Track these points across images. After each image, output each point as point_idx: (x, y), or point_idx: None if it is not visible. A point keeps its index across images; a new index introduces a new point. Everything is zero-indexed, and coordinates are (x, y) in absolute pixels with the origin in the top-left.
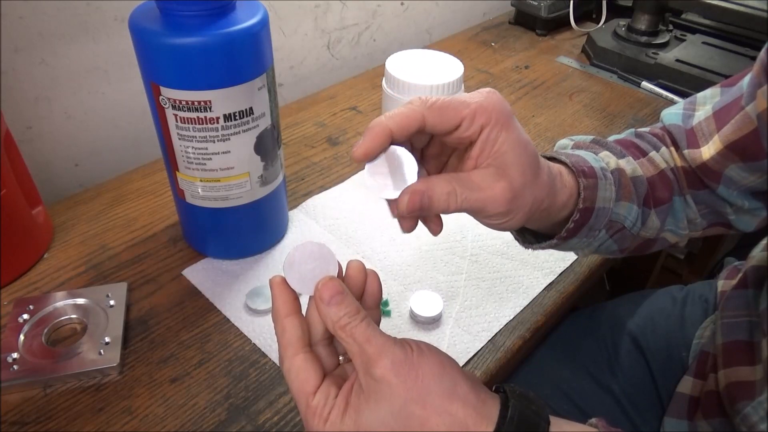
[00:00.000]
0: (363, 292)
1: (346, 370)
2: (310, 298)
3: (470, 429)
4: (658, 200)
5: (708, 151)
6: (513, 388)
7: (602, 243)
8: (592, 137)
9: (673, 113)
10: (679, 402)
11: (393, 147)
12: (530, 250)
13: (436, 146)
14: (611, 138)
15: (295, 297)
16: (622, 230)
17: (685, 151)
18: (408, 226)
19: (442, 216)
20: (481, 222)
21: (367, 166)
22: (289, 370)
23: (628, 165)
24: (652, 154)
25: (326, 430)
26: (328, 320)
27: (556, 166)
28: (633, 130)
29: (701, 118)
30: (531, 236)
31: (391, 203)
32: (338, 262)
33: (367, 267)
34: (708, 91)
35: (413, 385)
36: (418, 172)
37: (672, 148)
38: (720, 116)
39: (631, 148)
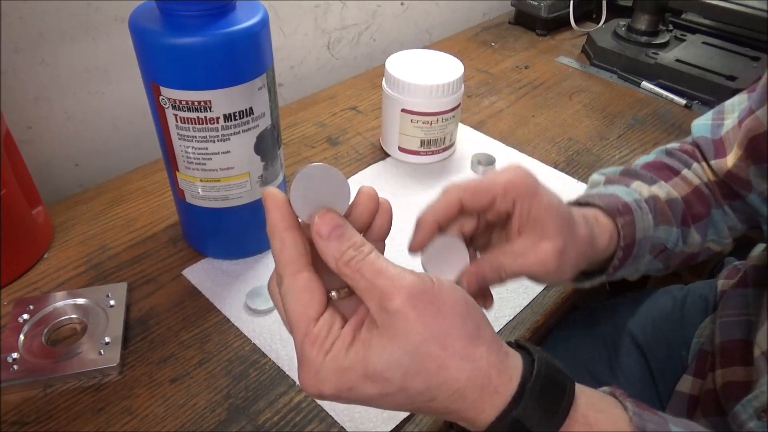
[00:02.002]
0: (371, 224)
1: (352, 304)
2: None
3: (493, 380)
4: (696, 217)
5: (731, 158)
6: (533, 346)
7: (648, 264)
8: (621, 168)
9: (701, 124)
10: (678, 401)
11: (443, 235)
12: (583, 285)
13: (481, 224)
14: (641, 160)
15: (294, 214)
16: (665, 251)
17: (712, 162)
18: (473, 291)
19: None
20: (537, 282)
21: (422, 256)
22: (289, 289)
23: (661, 190)
24: (685, 171)
25: (326, 364)
26: (329, 257)
27: (591, 213)
28: (663, 148)
29: (729, 128)
30: (581, 275)
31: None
32: (350, 197)
33: None
34: (735, 98)
35: (433, 322)
36: (468, 254)
37: (703, 163)
38: (742, 122)
39: (663, 170)
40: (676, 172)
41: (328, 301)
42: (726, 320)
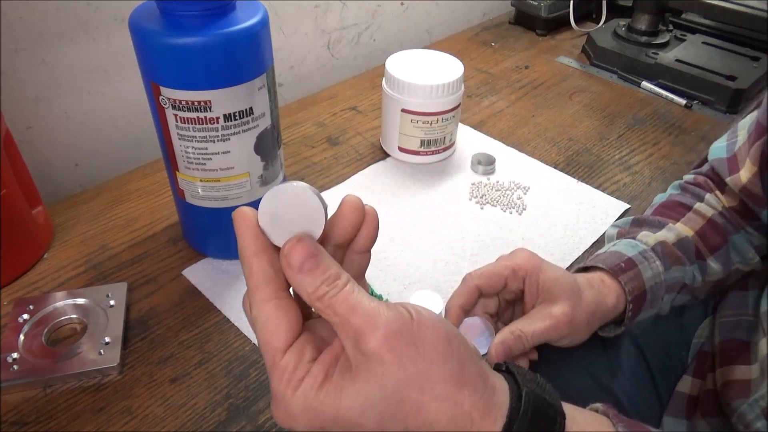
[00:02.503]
0: (356, 235)
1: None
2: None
3: (476, 422)
4: (712, 248)
5: (745, 173)
6: (522, 370)
7: (673, 300)
8: (632, 218)
9: (717, 147)
10: (678, 401)
11: (469, 317)
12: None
13: (501, 303)
14: (656, 200)
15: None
16: (685, 286)
17: (728, 179)
18: (503, 359)
19: (446, 221)
20: (556, 345)
21: None
22: (257, 317)
23: (670, 233)
24: (697, 205)
25: (295, 400)
26: (301, 291)
27: (597, 276)
28: (677, 183)
29: (740, 143)
30: (602, 328)
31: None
32: (326, 220)
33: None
34: (747, 117)
35: (412, 365)
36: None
37: (716, 192)
38: (751, 136)
39: (675, 209)
40: (688, 208)
41: (300, 329)
42: (725, 320)
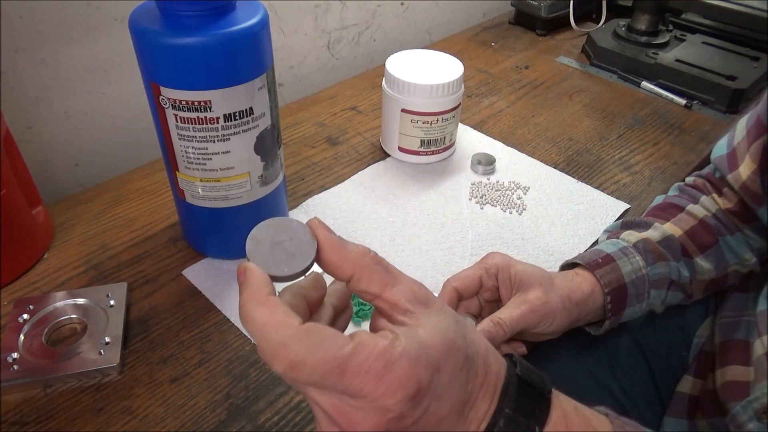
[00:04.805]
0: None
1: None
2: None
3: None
4: (702, 246)
5: (745, 170)
6: (517, 357)
7: (664, 298)
8: (622, 221)
9: (719, 145)
10: (679, 401)
11: None
12: (597, 333)
13: (482, 303)
14: (654, 202)
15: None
16: (673, 282)
17: (728, 176)
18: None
19: (446, 221)
20: (537, 338)
21: None
22: (308, 347)
23: (655, 231)
24: (689, 207)
25: (404, 347)
26: (351, 255)
27: (570, 270)
28: (677, 185)
29: (739, 138)
30: (592, 325)
31: None
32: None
33: None
34: (748, 114)
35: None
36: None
37: (714, 195)
38: (751, 131)
39: (667, 210)
40: (680, 209)
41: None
42: (726, 321)
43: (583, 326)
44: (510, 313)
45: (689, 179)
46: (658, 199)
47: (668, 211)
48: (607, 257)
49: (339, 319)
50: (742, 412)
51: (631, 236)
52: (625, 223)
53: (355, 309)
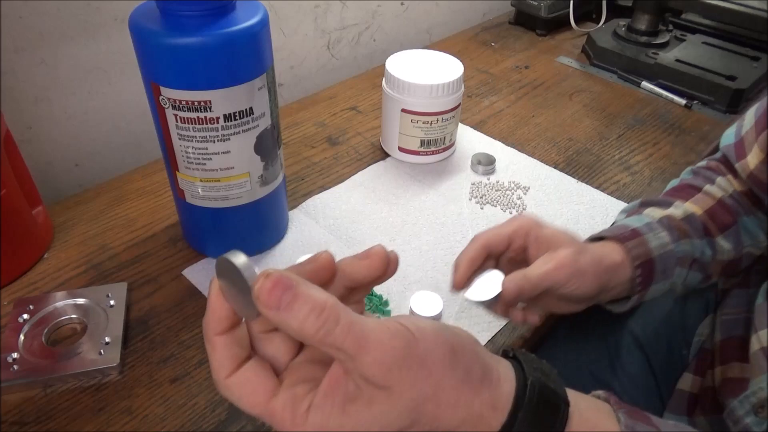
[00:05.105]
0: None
1: (308, 363)
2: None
3: (485, 417)
4: (722, 226)
5: (753, 159)
6: (528, 356)
7: (685, 277)
8: (639, 201)
9: (727, 134)
10: (679, 399)
11: (487, 272)
12: (620, 310)
13: (506, 269)
14: (669, 186)
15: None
16: (696, 261)
17: (737, 165)
18: (515, 316)
19: (446, 221)
20: (562, 308)
21: (470, 291)
22: (231, 391)
23: (677, 209)
24: (707, 187)
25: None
26: (289, 330)
27: (599, 243)
28: (690, 168)
29: (747, 128)
30: (615, 303)
31: (492, 304)
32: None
33: None
34: (757, 104)
35: (424, 384)
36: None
37: (729, 176)
38: (759, 121)
39: (685, 190)
40: (698, 189)
41: (279, 380)
42: (727, 318)
43: (606, 305)
44: (538, 269)
45: (702, 162)
46: (674, 182)
47: (686, 191)
48: (635, 231)
49: (353, 294)
50: (739, 407)
51: (654, 212)
52: (643, 202)
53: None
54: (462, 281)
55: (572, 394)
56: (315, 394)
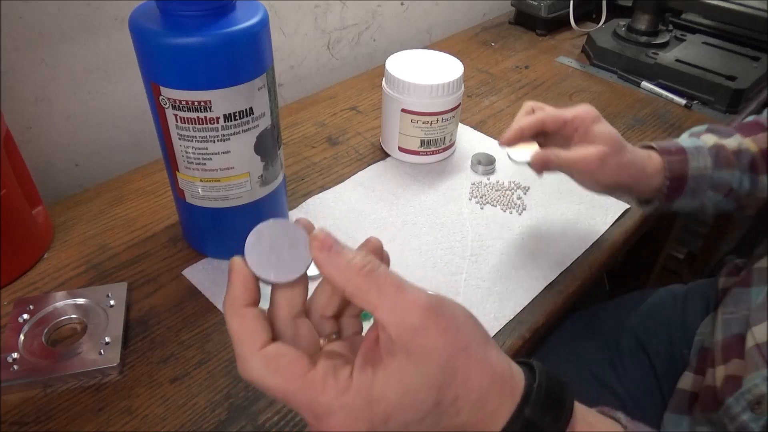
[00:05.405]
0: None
1: (338, 348)
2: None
3: (507, 381)
4: None
5: None
6: (537, 363)
7: (718, 201)
8: (707, 125)
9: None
10: (679, 398)
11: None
12: (647, 209)
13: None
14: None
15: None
16: (732, 191)
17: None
18: (539, 169)
19: (446, 221)
20: (584, 184)
21: (511, 150)
22: (266, 359)
23: (734, 141)
24: None
25: (352, 400)
26: (336, 270)
27: (645, 150)
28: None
29: None
30: (643, 202)
31: (523, 164)
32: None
33: None
34: None
35: (456, 335)
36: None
37: None
38: None
39: (752, 127)
40: (763, 128)
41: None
42: (728, 317)
43: (636, 202)
44: (567, 153)
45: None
46: (750, 118)
47: (752, 127)
48: (681, 149)
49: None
50: (735, 404)
51: (710, 139)
52: (710, 128)
53: None
54: (509, 141)
55: (579, 407)
56: (354, 362)
